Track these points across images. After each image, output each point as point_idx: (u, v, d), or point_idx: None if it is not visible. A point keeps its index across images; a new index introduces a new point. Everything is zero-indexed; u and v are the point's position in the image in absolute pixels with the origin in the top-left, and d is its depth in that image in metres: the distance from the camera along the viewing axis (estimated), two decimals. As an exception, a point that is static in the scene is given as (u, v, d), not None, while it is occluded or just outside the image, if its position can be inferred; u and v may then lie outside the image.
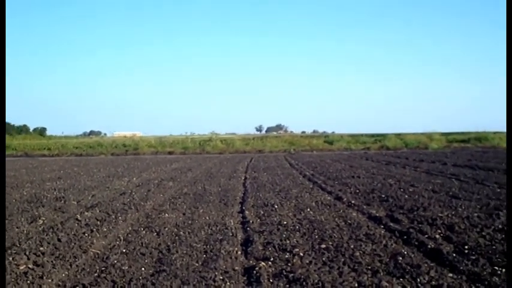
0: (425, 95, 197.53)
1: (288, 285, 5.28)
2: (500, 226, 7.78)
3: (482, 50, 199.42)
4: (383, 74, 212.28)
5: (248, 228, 8.32)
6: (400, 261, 6.00)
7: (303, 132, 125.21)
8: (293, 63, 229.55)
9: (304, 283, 5.24)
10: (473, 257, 6.05)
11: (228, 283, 5.40)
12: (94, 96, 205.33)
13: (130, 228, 8.57)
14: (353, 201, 10.98)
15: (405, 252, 6.44)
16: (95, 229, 8.33)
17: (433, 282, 5.19)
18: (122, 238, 7.78)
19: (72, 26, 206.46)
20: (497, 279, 5.22)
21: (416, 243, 6.95)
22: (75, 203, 11.67)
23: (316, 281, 5.28)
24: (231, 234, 7.88)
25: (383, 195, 11.79)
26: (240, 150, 45.72)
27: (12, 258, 6.35)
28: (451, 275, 5.47)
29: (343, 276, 5.48)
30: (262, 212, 9.92)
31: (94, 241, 7.47)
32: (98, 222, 8.99)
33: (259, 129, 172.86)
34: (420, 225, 8.10)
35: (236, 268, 5.98)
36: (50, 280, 5.62)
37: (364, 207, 10.25)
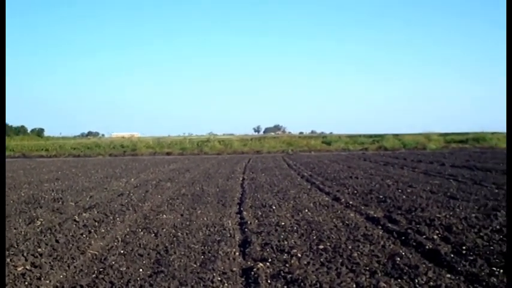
0: (424, 95, 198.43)
1: (286, 286, 5.28)
2: (498, 227, 7.79)
3: (482, 50, 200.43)
4: (382, 74, 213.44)
5: (246, 229, 8.31)
6: (398, 262, 6.01)
7: (301, 132, 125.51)
8: (291, 64, 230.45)
9: (302, 284, 5.23)
10: (471, 258, 6.06)
11: (226, 284, 5.40)
12: (92, 97, 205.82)
13: (128, 229, 8.56)
14: (351, 202, 10.98)
15: (403, 253, 6.44)
16: (92, 230, 8.32)
17: (431, 283, 5.19)
18: (119, 239, 7.77)
19: (70, 27, 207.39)
20: (495, 279, 5.23)
21: (414, 243, 6.96)
22: (73, 204, 11.65)
23: (314, 281, 5.28)
24: (229, 235, 7.88)
25: (381, 196, 11.80)
26: (238, 151, 45.68)
27: (10, 260, 6.34)
28: (449, 275, 5.48)
29: (341, 277, 5.49)
30: (260, 213, 9.91)
31: (92, 242, 7.46)
32: (96, 223, 8.98)
33: (257, 129, 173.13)
34: (418, 225, 8.11)
35: (234, 269, 5.98)
36: (47, 281, 5.61)
37: (362, 208, 10.25)
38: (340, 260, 6.17)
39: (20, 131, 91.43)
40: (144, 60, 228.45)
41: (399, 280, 5.34)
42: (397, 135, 51.34)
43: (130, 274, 5.85)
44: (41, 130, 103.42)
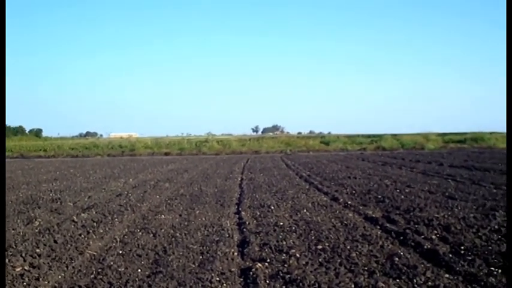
0: (423, 95, 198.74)
1: (284, 286, 5.28)
2: (496, 227, 7.80)
3: (482, 50, 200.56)
4: (381, 74, 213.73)
5: (244, 229, 8.31)
6: (396, 262, 6.01)
7: (299, 133, 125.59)
8: (289, 64, 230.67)
9: (300, 284, 5.24)
10: (470, 258, 6.06)
11: (225, 284, 5.40)
12: (90, 97, 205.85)
13: (126, 230, 8.55)
14: (349, 202, 10.99)
15: (401, 253, 6.45)
16: (91, 230, 8.31)
17: (430, 283, 5.20)
18: (118, 239, 7.76)
19: (69, 27, 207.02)
20: (493, 279, 5.23)
21: (412, 243, 6.96)
22: (71, 205, 11.64)
23: (312, 282, 5.28)
24: (227, 235, 7.88)
25: (379, 196, 11.80)
26: (236, 151, 45.67)
27: (9, 260, 6.33)
28: (447, 275, 5.48)
29: (339, 277, 5.49)
30: (258, 213, 9.91)
31: (90, 242, 7.45)
32: (94, 224, 8.97)
33: (255, 130, 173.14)
34: (416, 225, 8.11)
35: (233, 269, 5.98)
36: (46, 282, 5.60)
37: (361, 208, 10.26)
38: (339, 260, 6.17)
39: (18, 131, 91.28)
40: (142, 61, 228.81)
41: (398, 280, 5.34)
42: (395, 135, 51.37)
43: (129, 274, 5.85)
44: (39, 130, 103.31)
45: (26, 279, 5.65)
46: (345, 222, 8.75)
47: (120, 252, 6.96)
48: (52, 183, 17.50)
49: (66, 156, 44.49)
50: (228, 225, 8.78)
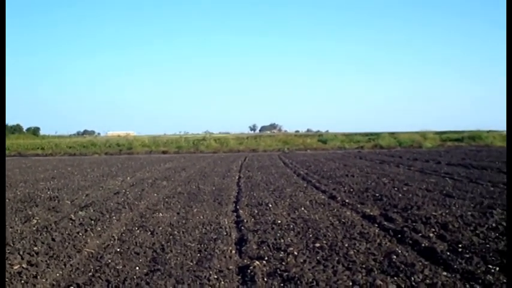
0: (422, 95, 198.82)
1: (282, 284, 5.28)
2: (493, 224, 7.80)
3: (482, 50, 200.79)
4: (380, 74, 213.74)
5: (242, 228, 8.32)
6: (394, 259, 6.02)
7: (297, 131, 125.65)
8: (287, 63, 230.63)
9: (298, 282, 5.24)
10: (467, 256, 6.07)
11: (223, 282, 5.40)
12: (87, 96, 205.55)
13: (124, 228, 8.55)
14: (347, 200, 10.99)
15: (399, 251, 6.45)
16: (89, 229, 8.30)
17: (427, 281, 5.20)
18: (116, 237, 7.75)
19: (68, 27, 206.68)
20: (491, 277, 5.24)
21: (410, 241, 6.97)
22: (69, 203, 11.63)
23: (310, 279, 5.29)
24: (225, 233, 7.88)
25: (377, 194, 11.82)
26: (234, 149, 45.71)
27: (6, 258, 6.31)
28: (445, 273, 5.49)
29: (337, 275, 5.49)
30: (256, 211, 9.92)
31: (88, 241, 7.45)
32: (92, 222, 8.96)
33: (253, 128, 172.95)
34: (414, 224, 8.12)
35: (230, 267, 5.98)
36: (44, 280, 5.60)
37: (358, 206, 10.27)
38: (337, 258, 6.18)
39: (16, 129, 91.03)
40: (141, 60, 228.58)
41: (395, 278, 5.35)
42: (392, 133, 51.41)
43: (127, 272, 5.84)
44: (37, 129, 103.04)
45: (24, 277, 5.64)
46: (343, 220, 8.75)
47: (118, 250, 6.95)
48: (50, 181, 17.47)
49: (64, 155, 44.48)
50: (226, 223, 8.78)
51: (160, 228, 8.41)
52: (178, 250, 6.83)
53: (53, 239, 7.51)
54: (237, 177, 17.67)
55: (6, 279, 5.53)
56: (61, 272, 5.91)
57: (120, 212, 10.02)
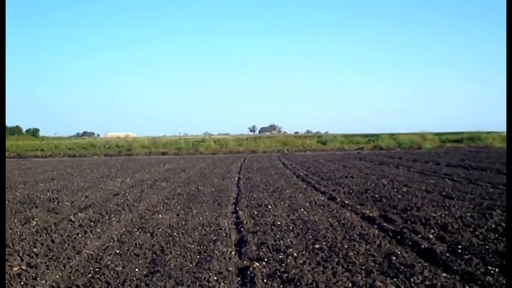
0: (422, 95, 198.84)
1: (282, 286, 5.28)
2: (493, 226, 7.81)
3: (482, 50, 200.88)
4: (380, 74, 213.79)
5: (242, 229, 8.32)
6: (393, 261, 6.02)
7: (296, 132, 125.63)
8: (286, 64, 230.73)
9: (298, 283, 5.24)
10: (467, 257, 6.07)
11: (222, 284, 5.40)
12: (87, 97, 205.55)
13: (124, 229, 8.54)
14: (346, 201, 11.00)
15: (399, 252, 6.45)
16: (88, 230, 8.30)
17: (427, 282, 5.20)
18: (115, 239, 7.75)
19: (69, 27, 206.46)
20: (490, 278, 5.24)
21: (409, 243, 6.97)
22: (68, 204, 11.62)
23: (310, 281, 5.28)
24: (224, 234, 7.88)
25: (376, 195, 11.82)
26: (233, 150, 45.68)
27: (6, 260, 6.31)
28: (444, 274, 5.49)
29: (337, 276, 5.49)
30: (256, 213, 9.92)
31: (88, 242, 7.44)
32: (92, 223, 8.96)
33: (252, 129, 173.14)
34: (414, 225, 8.12)
35: (230, 269, 5.98)
36: (43, 281, 5.59)
37: (358, 207, 10.27)
38: (336, 259, 6.18)
39: (15, 131, 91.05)
40: (140, 61, 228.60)
41: (395, 279, 5.35)
42: (392, 134, 51.41)
43: (126, 274, 5.84)
44: (36, 130, 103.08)
45: (24, 278, 5.64)
46: (342, 221, 8.76)
47: (118, 251, 6.95)
48: (49, 182, 17.47)
49: (63, 156, 44.43)
50: (226, 224, 8.78)
51: (160, 229, 8.41)
52: (177, 251, 6.83)
53: (53, 241, 7.50)
54: (236, 179, 17.67)
55: (6, 281, 5.53)
56: (61, 274, 5.91)
57: (120, 213, 10.02)
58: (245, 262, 6.27)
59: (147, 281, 5.49)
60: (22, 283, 5.51)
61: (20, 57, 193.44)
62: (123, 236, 7.97)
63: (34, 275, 5.76)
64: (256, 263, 6.06)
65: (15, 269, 6.00)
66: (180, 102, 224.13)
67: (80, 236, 7.88)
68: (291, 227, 8.29)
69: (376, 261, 6.08)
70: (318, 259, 6.26)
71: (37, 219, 9.48)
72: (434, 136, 49.19)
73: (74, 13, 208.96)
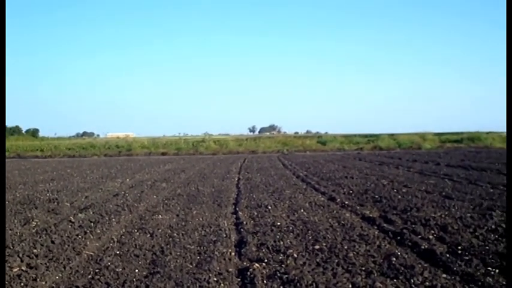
0: (422, 95, 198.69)
1: (282, 287, 5.28)
2: (493, 226, 7.81)
3: (482, 50, 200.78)
4: (380, 74, 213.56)
5: (242, 230, 8.32)
6: (393, 262, 6.02)
7: (296, 132, 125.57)
8: (286, 64, 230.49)
9: (298, 284, 5.24)
10: (467, 258, 6.07)
11: (222, 284, 5.40)
12: (87, 97, 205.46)
13: (123, 230, 8.54)
14: (346, 202, 10.99)
15: (399, 253, 6.45)
16: (88, 231, 8.30)
17: (427, 283, 5.20)
18: (115, 240, 7.75)
19: (69, 27, 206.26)
20: (490, 279, 5.24)
21: (409, 243, 6.97)
22: (68, 205, 11.62)
23: (310, 282, 5.28)
24: (224, 235, 7.87)
25: (376, 196, 11.82)
26: (233, 151, 45.69)
27: (6, 261, 6.31)
28: (444, 275, 5.49)
29: (337, 277, 5.49)
30: (255, 213, 9.91)
31: (87, 243, 7.44)
32: (92, 224, 8.95)
33: (252, 129, 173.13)
34: (413, 225, 8.12)
35: (230, 269, 5.98)
36: (43, 282, 5.60)
37: (358, 208, 10.27)
38: (336, 260, 6.18)
39: (15, 131, 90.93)
40: (140, 61, 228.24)
41: (395, 280, 5.35)
42: (392, 135, 51.45)
43: (126, 275, 5.84)
44: (36, 130, 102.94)
45: (24, 279, 5.64)
46: (342, 222, 8.75)
47: (118, 252, 6.95)
48: (49, 183, 17.46)
49: (63, 157, 44.43)
50: (225, 225, 8.78)
51: (160, 230, 8.41)
52: (177, 252, 6.83)
53: (53, 242, 7.50)
54: (236, 179, 17.67)
55: (6, 282, 5.53)
56: (60, 275, 5.90)
57: (120, 214, 10.02)
58: (245, 263, 6.27)
59: (147, 282, 5.49)
60: (22, 284, 5.51)
61: (20, 57, 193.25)
62: (123, 237, 7.96)
63: (34, 275, 5.76)
64: (256, 264, 6.06)
65: (15, 269, 6.00)
66: (180, 102, 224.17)
67: (79, 236, 7.88)
68: (290, 228, 8.29)
69: (376, 262, 6.08)
70: (318, 260, 6.26)
71: (37, 220, 9.47)
72: (434, 136, 49.25)
73: (74, 13, 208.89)
